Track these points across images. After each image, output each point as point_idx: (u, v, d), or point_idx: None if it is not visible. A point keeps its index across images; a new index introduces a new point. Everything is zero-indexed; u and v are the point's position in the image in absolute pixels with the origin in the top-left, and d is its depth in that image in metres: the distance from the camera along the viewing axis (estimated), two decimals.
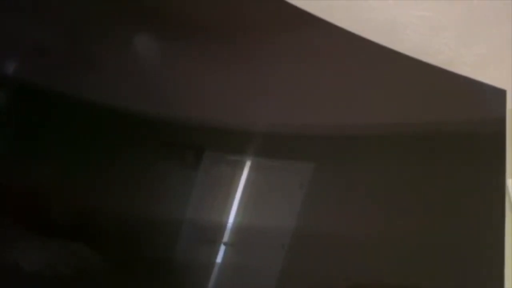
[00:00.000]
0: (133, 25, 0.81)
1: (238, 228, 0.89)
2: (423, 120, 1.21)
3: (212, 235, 0.87)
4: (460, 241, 1.21)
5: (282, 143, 0.96)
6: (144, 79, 0.81)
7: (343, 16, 1.19)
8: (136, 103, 0.80)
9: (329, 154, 1.02)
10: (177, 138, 0.84)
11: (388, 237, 1.11)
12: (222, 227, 0.88)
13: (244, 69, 0.95)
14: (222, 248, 0.86)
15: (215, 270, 0.86)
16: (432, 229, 1.18)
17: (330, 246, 1.01)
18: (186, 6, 0.87)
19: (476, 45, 1.32)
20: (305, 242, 0.97)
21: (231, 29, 0.93)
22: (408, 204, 1.15)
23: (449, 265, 1.19)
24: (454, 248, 1.20)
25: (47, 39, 0.72)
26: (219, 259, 0.87)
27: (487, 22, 1.22)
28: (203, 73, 0.87)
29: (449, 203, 1.21)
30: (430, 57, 1.41)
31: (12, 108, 0.69)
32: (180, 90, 0.85)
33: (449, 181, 1.23)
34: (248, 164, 0.91)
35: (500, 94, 1.33)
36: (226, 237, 0.87)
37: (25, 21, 0.69)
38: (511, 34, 1.25)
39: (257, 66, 0.96)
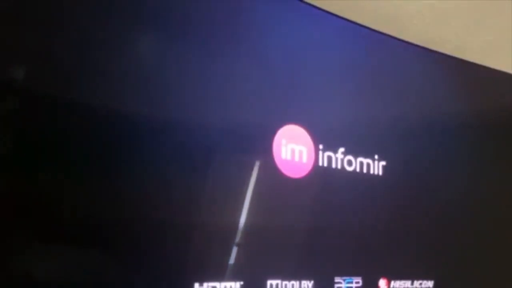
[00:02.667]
0: (135, 28, 0.80)
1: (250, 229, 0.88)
2: (437, 109, 1.20)
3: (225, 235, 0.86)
4: (477, 226, 1.19)
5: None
6: (156, 82, 0.80)
7: (348, 8, 1.18)
8: (144, 105, 0.78)
9: (350, 146, 1.00)
10: (189, 140, 0.82)
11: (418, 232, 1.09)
12: (235, 228, 0.86)
13: (250, 67, 0.93)
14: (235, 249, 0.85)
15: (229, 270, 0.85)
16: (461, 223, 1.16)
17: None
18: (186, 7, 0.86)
19: (483, 32, 1.30)
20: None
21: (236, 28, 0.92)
22: (429, 199, 1.13)
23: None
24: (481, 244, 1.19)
25: (55, 46, 0.70)
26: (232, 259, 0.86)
27: (493, 8, 1.20)
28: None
29: (467, 194, 1.19)
30: (438, 45, 1.39)
31: (29, 115, 0.68)
32: (193, 91, 0.84)
33: (466, 171, 1.21)
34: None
35: (510, 79, 1.31)
36: (238, 238, 0.86)
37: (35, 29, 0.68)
38: None
39: (264, 63, 0.95)
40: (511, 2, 1.17)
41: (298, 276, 0.91)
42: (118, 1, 0.77)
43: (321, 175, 0.97)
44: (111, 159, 0.74)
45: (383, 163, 1.05)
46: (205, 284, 0.80)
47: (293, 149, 0.94)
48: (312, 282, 0.93)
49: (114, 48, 0.76)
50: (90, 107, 0.72)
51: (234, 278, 0.84)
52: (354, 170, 1.01)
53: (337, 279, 0.97)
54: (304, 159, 0.95)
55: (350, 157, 1.01)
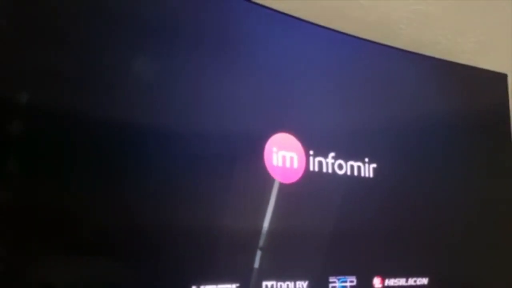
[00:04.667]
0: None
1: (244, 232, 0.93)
2: (427, 112, 1.23)
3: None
4: (469, 224, 1.22)
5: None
6: (149, 91, 0.85)
7: (335, 17, 1.22)
8: (137, 114, 0.84)
9: (340, 150, 1.05)
10: (182, 148, 0.87)
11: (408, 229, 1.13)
12: (229, 232, 0.91)
13: (241, 79, 0.98)
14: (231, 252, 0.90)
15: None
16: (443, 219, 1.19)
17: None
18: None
19: (473, 33, 1.33)
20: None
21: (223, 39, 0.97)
22: (421, 198, 1.17)
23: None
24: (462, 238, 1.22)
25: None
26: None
27: (480, 9, 1.23)
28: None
29: (459, 193, 1.22)
30: (428, 48, 1.42)
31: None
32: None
33: (458, 170, 1.24)
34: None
35: (501, 78, 1.34)
36: (234, 241, 0.91)
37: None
38: (505, 18, 1.25)
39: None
40: (498, 2, 1.20)
41: (293, 277, 0.96)
42: (111, 15, 0.83)
43: (312, 180, 1.01)
44: (98, 167, 0.79)
45: (373, 165, 1.09)
46: (202, 287, 0.84)
47: (284, 156, 0.99)
48: (306, 282, 0.97)
49: (107, 60, 0.82)
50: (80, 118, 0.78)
51: (230, 280, 0.88)
52: (345, 174, 1.06)
53: (331, 279, 1.01)
54: (295, 165, 1.00)
55: (340, 161, 1.05)
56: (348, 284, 1.03)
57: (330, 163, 1.04)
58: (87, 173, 0.77)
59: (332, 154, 1.04)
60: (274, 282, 0.93)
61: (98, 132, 0.79)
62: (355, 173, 1.07)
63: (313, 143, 1.02)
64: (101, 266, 0.76)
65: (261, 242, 0.95)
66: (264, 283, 0.92)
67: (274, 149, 0.97)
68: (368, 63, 1.16)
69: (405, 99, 1.20)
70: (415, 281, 1.11)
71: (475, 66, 1.33)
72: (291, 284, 0.95)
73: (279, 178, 0.97)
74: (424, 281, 1.13)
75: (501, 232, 1.26)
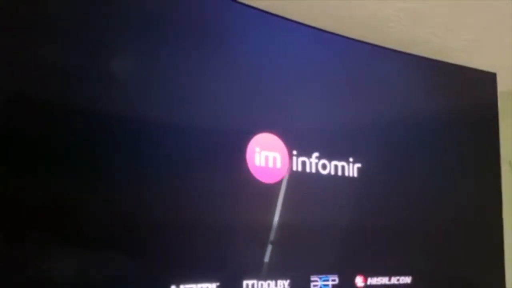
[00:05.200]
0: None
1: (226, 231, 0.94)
2: (415, 112, 1.23)
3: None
4: (455, 223, 1.23)
5: None
6: (132, 90, 0.86)
7: (323, 15, 1.22)
8: (120, 112, 0.84)
9: (324, 150, 1.06)
10: (166, 148, 0.88)
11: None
12: (211, 231, 0.92)
13: (224, 79, 0.98)
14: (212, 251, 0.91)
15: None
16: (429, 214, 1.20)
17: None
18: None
19: (463, 31, 1.33)
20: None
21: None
22: (405, 198, 1.18)
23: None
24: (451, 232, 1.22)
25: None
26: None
27: (470, 8, 1.22)
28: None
29: (443, 192, 1.23)
30: (419, 46, 1.42)
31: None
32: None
33: (444, 170, 1.24)
34: None
35: (491, 77, 1.34)
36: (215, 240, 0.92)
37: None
38: (496, 17, 1.25)
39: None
40: (488, 1, 1.19)
41: (274, 276, 0.97)
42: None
43: (295, 180, 1.02)
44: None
45: (358, 165, 1.09)
46: (181, 286, 0.86)
47: (267, 156, 0.99)
48: (288, 281, 0.98)
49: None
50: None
51: (210, 280, 0.89)
52: (329, 173, 1.06)
53: (313, 277, 1.02)
54: (278, 165, 1.00)
55: (324, 161, 1.06)
56: (330, 283, 1.04)
57: (313, 163, 1.04)
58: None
59: (315, 154, 1.05)
60: (255, 281, 0.94)
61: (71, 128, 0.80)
62: (339, 173, 1.07)
63: (297, 143, 1.03)
64: (81, 263, 0.77)
65: (242, 242, 0.96)
66: (245, 282, 0.94)
67: (257, 149, 0.98)
68: (353, 63, 1.16)
69: (392, 98, 1.20)
70: (398, 280, 1.12)
71: (464, 65, 1.33)
72: (272, 283, 0.96)
73: (261, 178, 0.98)
74: (408, 280, 1.14)
75: (484, 231, 1.26)
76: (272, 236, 0.99)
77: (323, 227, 1.05)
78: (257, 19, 1.04)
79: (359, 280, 1.07)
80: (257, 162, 0.98)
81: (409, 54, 1.25)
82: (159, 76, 0.89)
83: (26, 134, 0.74)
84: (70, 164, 0.78)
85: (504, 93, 1.47)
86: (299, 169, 1.03)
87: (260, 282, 0.95)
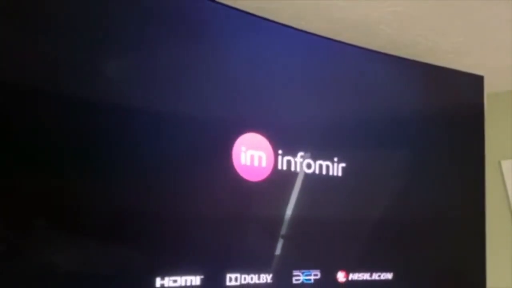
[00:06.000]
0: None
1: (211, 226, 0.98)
2: (401, 113, 1.26)
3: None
4: (437, 221, 1.26)
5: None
6: (120, 88, 0.89)
7: (315, 18, 1.25)
8: (107, 109, 0.88)
9: (309, 150, 1.09)
10: (153, 147, 0.92)
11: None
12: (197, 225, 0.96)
13: (210, 79, 1.02)
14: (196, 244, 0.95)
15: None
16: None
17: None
18: None
19: (453, 34, 1.35)
20: None
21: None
22: (388, 196, 1.21)
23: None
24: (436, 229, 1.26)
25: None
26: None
27: (460, 10, 1.24)
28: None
29: (431, 187, 1.26)
30: (409, 48, 1.45)
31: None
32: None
33: (432, 167, 1.28)
34: None
35: (478, 80, 1.36)
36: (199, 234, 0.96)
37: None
38: (485, 19, 1.27)
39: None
40: (477, 3, 1.21)
41: (257, 270, 1.01)
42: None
43: (280, 178, 1.06)
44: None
45: (342, 164, 1.13)
46: (166, 279, 0.90)
47: (253, 155, 1.03)
48: (271, 275, 1.02)
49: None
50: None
51: (194, 272, 0.94)
52: (313, 172, 1.10)
53: (295, 272, 1.06)
54: (264, 164, 1.04)
55: (309, 160, 1.09)
56: (312, 277, 1.08)
57: (298, 162, 1.08)
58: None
59: (300, 154, 1.09)
60: (238, 275, 0.99)
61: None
62: (324, 172, 1.11)
63: (282, 143, 1.06)
64: (66, 256, 0.82)
65: (226, 236, 1.00)
66: (228, 275, 0.98)
67: (243, 148, 1.02)
68: (339, 64, 1.19)
69: (378, 99, 1.23)
70: (379, 276, 1.16)
71: (454, 67, 1.35)
72: (255, 277, 1.01)
73: (246, 176, 1.02)
74: (389, 276, 1.17)
75: (467, 228, 1.30)
76: (256, 231, 1.03)
77: (307, 223, 1.09)
78: (242, 20, 1.07)
79: (340, 276, 1.12)
80: (242, 161, 1.01)
81: (396, 56, 1.27)
82: (146, 74, 0.92)
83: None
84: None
85: (493, 95, 1.49)
86: (284, 168, 1.06)
87: (243, 276, 0.99)
